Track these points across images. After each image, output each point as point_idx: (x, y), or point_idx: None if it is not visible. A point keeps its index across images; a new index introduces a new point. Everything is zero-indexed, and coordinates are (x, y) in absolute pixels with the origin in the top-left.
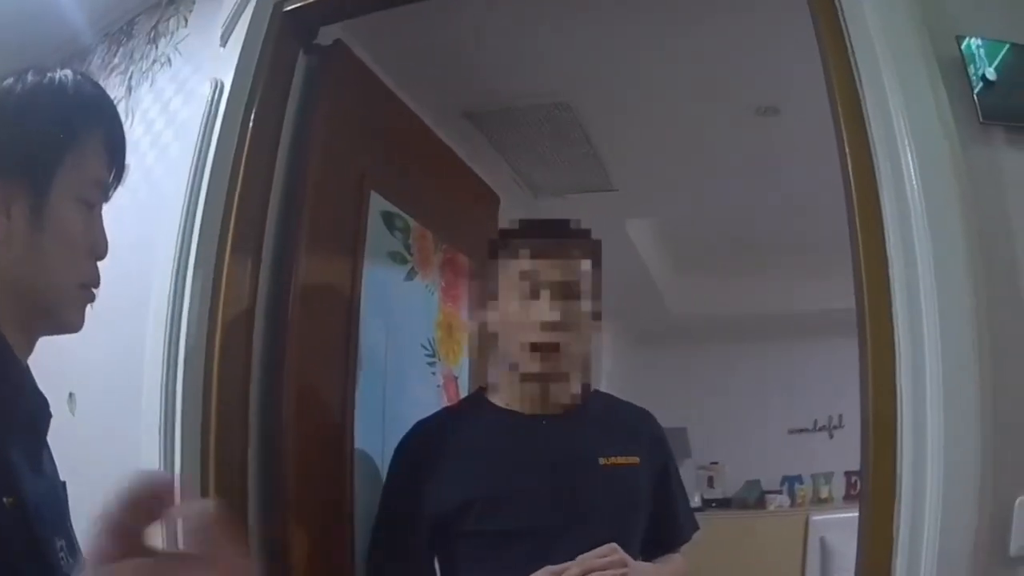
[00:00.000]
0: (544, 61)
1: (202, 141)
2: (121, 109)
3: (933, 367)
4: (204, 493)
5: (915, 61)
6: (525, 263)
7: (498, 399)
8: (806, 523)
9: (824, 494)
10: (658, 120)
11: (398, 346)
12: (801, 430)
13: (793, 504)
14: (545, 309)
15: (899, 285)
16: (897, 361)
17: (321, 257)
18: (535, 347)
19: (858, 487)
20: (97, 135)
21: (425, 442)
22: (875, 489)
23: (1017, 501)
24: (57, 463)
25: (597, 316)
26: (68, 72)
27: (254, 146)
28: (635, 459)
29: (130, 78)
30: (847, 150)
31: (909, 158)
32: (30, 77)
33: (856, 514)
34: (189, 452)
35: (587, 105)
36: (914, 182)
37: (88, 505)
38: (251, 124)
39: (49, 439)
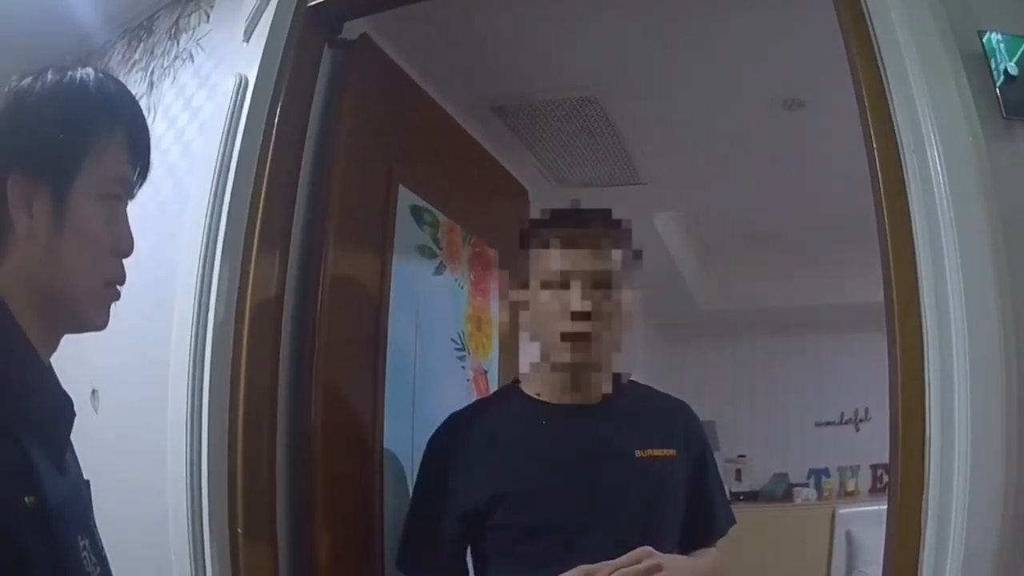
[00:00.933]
0: (571, 55)
1: (227, 136)
2: (142, 105)
3: (960, 360)
4: (231, 492)
5: (939, 56)
6: (555, 253)
7: (531, 389)
8: (833, 516)
9: (851, 487)
10: (684, 113)
11: (427, 341)
12: (828, 423)
13: (820, 497)
14: (576, 299)
15: (927, 279)
16: (925, 355)
17: (349, 252)
18: (565, 337)
19: (884, 480)
20: (119, 132)
21: (457, 435)
22: (904, 482)
23: None
24: (80, 461)
25: (631, 306)
26: (90, 70)
27: (280, 141)
28: (671, 451)
29: (151, 74)
30: (874, 145)
31: (936, 153)
32: (50, 76)
33: (882, 507)
34: (216, 450)
35: (614, 99)
36: (941, 177)
37: (112, 503)
38: (276, 119)
39: (72, 437)
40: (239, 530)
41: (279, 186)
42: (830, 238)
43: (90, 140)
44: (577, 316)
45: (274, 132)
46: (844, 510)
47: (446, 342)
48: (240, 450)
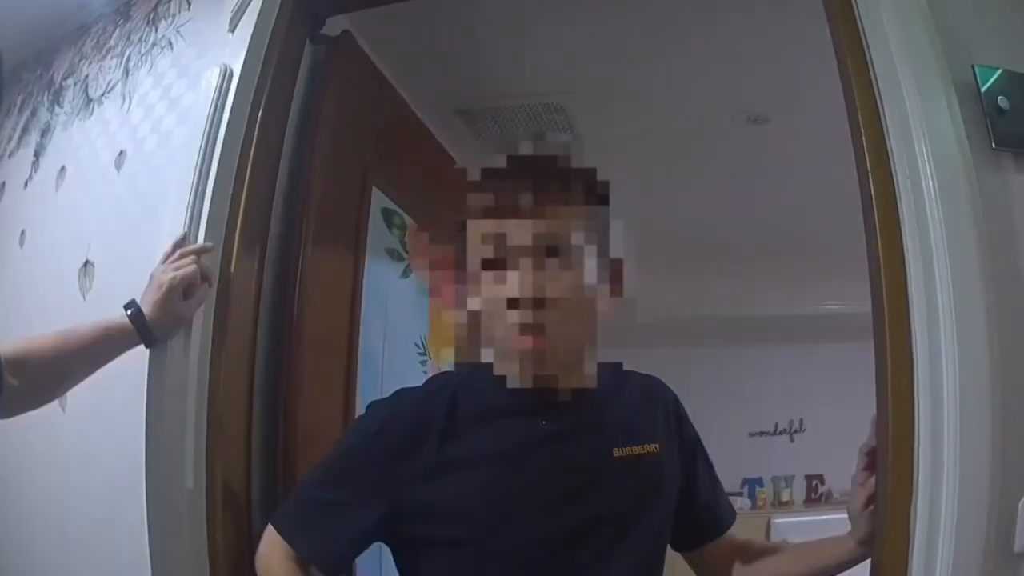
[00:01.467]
0: (539, 62)
1: (210, 128)
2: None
3: (950, 375)
4: (210, 504)
5: (935, 86)
6: (489, 224)
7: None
8: (768, 526)
9: (785, 497)
10: (649, 124)
11: (394, 344)
12: (762, 433)
13: (754, 507)
14: (515, 281)
15: (917, 297)
16: (915, 373)
17: (325, 252)
18: (511, 331)
19: (819, 491)
20: None
21: (409, 414)
22: (894, 491)
23: (1021, 502)
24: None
25: (606, 280)
26: None
27: (263, 134)
28: (653, 446)
29: (127, 60)
30: (868, 168)
31: (930, 180)
32: None
33: (817, 518)
34: (195, 461)
35: (578, 107)
36: (934, 202)
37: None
38: (260, 112)
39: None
40: (217, 538)
41: (261, 181)
42: (773, 251)
43: None
44: (525, 304)
45: (257, 125)
46: (779, 520)
47: (410, 346)
48: (219, 454)
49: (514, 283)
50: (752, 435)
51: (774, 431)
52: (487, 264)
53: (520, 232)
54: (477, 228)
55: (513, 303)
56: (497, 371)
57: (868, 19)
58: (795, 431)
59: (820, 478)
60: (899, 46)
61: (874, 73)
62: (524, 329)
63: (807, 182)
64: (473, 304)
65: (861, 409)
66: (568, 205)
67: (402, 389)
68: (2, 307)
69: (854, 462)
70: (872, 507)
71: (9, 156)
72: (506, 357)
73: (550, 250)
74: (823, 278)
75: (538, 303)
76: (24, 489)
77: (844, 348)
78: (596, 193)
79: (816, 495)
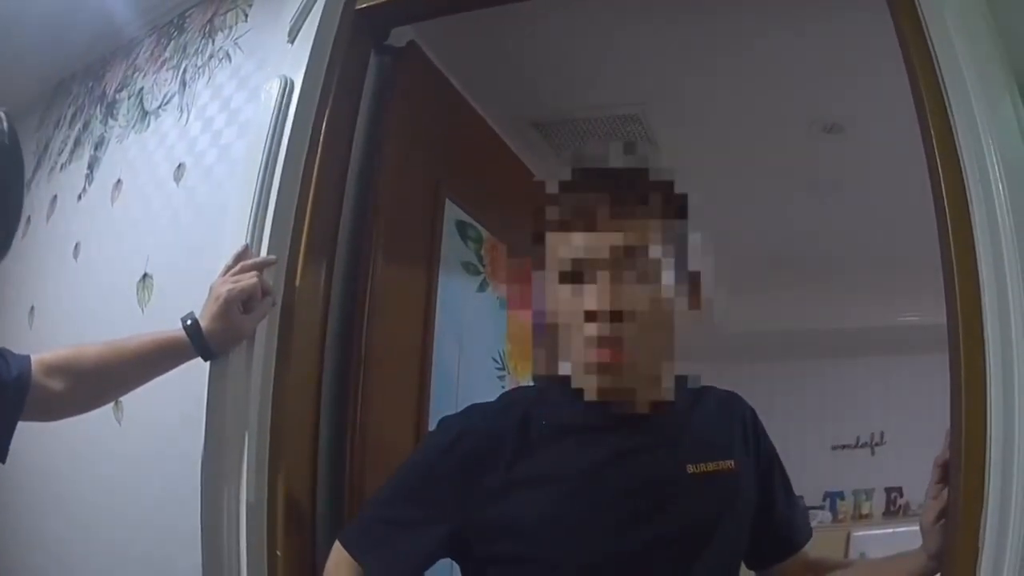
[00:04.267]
0: (614, 72)
1: (271, 140)
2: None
3: (1022, 386)
4: (271, 518)
5: (999, 86)
6: (567, 236)
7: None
8: (847, 539)
9: (865, 510)
10: (724, 134)
11: (470, 359)
12: (844, 446)
13: (835, 520)
14: (592, 295)
15: (990, 304)
16: (988, 381)
17: (396, 266)
18: (589, 343)
19: (898, 503)
20: None
21: (484, 430)
22: (965, 504)
23: None
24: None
25: (684, 293)
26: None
27: (327, 146)
28: (728, 463)
29: (183, 72)
30: (940, 175)
31: (1000, 183)
32: None
33: (896, 530)
34: (256, 476)
35: (656, 117)
36: (1004, 203)
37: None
38: (324, 123)
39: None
40: (278, 552)
41: (326, 193)
42: (852, 263)
43: None
44: (603, 317)
45: (321, 137)
46: (858, 533)
47: (487, 361)
48: (283, 468)
49: (592, 296)
50: (835, 448)
51: (856, 444)
52: (564, 277)
53: (597, 244)
54: (555, 240)
55: (591, 316)
56: (575, 384)
57: (932, 23)
58: (876, 444)
59: (899, 490)
60: (963, 47)
61: (941, 76)
62: (602, 343)
63: (883, 192)
64: (550, 317)
65: (940, 421)
66: (646, 217)
67: (473, 405)
68: (57, 319)
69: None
70: (943, 520)
71: (61, 169)
72: (583, 370)
73: (628, 263)
74: (903, 290)
75: (616, 316)
76: (78, 503)
77: (924, 360)
78: (674, 205)
79: (895, 507)
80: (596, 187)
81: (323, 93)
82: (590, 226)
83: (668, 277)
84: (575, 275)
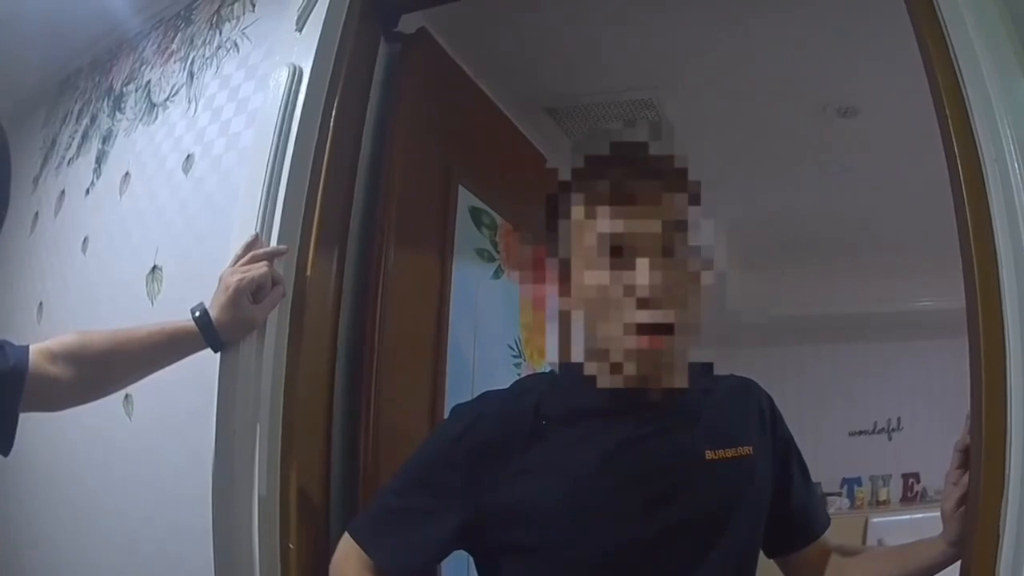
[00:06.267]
0: (626, 56)
1: (280, 129)
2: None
3: None
4: (283, 510)
5: (1012, 66)
6: (605, 214)
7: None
8: (865, 525)
9: (883, 496)
10: (737, 117)
11: (485, 346)
12: (861, 432)
13: (852, 506)
14: (644, 277)
15: (1009, 285)
16: (1008, 363)
17: (409, 253)
18: (635, 330)
19: (915, 489)
20: None
21: (497, 417)
22: (986, 489)
23: None
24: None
25: (709, 267)
26: None
27: (337, 134)
28: (746, 448)
29: (191, 64)
30: (956, 155)
31: (1016, 163)
32: None
33: (914, 516)
34: (268, 467)
35: (668, 101)
36: (1023, 188)
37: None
38: (334, 111)
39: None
40: (290, 545)
41: (337, 181)
42: (869, 247)
43: None
44: (647, 303)
45: (331, 125)
46: (876, 519)
47: (503, 348)
48: (295, 459)
49: (636, 279)
50: (852, 434)
51: (872, 430)
52: (600, 261)
53: (638, 224)
54: (587, 222)
55: (643, 302)
56: (588, 371)
57: (945, 4)
58: (893, 429)
59: (916, 476)
60: (976, 28)
61: (955, 58)
62: (645, 329)
63: (899, 175)
64: (570, 303)
65: (957, 406)
66: (683, 192)
67: (486, 392)
68: (65, 314)
69: (948, 460)
70: (964, 507)
71: (68, 164)
72: (612, 357)
73: (667, 245)
74: (920, 273)
75: (657, 302)
76: (88, 496)
77: (941, 345)
78: (694, 190)
79: (912, 494)
80: (633, 164)
81: (332, 81)
82: (631, 205)
83: (695, 256)
84: (614, 258)
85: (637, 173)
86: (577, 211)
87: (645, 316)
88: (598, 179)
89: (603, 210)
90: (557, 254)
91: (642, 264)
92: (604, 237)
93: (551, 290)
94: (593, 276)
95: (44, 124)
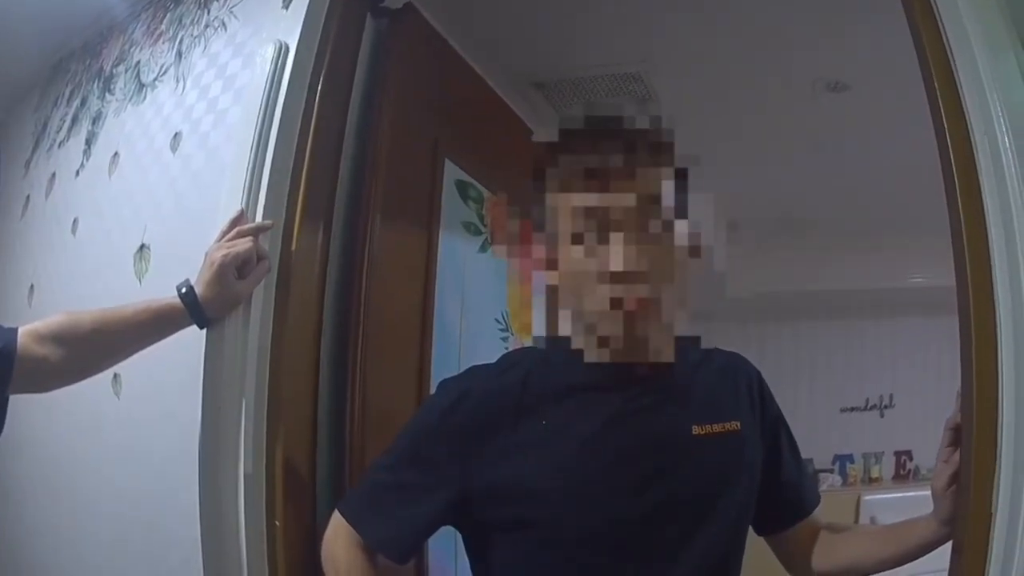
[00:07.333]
0: (615, 30)
1: (266, 105)
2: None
3: None
4: (270, 487)
5: (1004, 43)
6: (580, 190)
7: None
8: (858, 502)
9: (875, 473)
10: (727, 92)
11: (472, 320)
12: (853, 409)
13: (845, 483)
14: (618, 254)
15: (999, 262)
16: (999, 339)
17: (395, 227)
18: (613, 304)
19: (907, 467)
20: None
21: (484, 393)
22: (977, 467)
23: None
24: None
25: (695, 251)
26: None
27: (323, 110)
28: (734, 424)
29: (179, 43)
30: (945, 127)
31: (1006, 137)
32: None
33: (906, 494)
34: (255, 443)
35: (659, 75)
36: (1010, 154)
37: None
38: (319, 87)
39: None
40: (277, 522)
41: (322, 157)
42: (860, 223)
43: None
44: (625, 278)
45: (316, 100)
46: (869, 496)
47: (490, 321)
48: (281, 435)
49: (610, 254)
50: (844, 411)
51: (864, 406)
52: (576, 236)
53: (611, 199)
54: (563, 196)
55: (617, 276)
56: (575, 345)
57: None
58: (885, 406)
59: (908, 454)
60: (965, 1)
61: (944, 31)
62: (617, 304)
63: (890, 151)
64: (555, 277)
65: (948, 384)
66: (659, 167)
67: (474, 366)
68: (56, 296)
69: (940, 438)
70: (955, 486)
71: (59, 146)
72: (595, 331)
73: (643, 218)
74: (911, 250)
75: (632, 276)
76: (75, 476)
77: (933, 321)
78: (673, 153)
79: (904, 471)
80: (607, 135)
81: (318, 56)
82: (603, 177)
83: (680, 229)
84: (591, 232)
85: (611, 147)
86: (552, 185)
87: (620, 291)
88: (571, 153)
89: (577, 183)
90: (544, 228)
91: (616, 238)
92: (578, 211)
93: (537, 264)
94: (570, 251)
95: (36, 108)
